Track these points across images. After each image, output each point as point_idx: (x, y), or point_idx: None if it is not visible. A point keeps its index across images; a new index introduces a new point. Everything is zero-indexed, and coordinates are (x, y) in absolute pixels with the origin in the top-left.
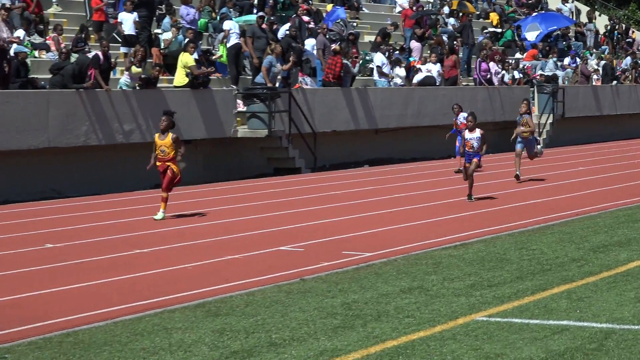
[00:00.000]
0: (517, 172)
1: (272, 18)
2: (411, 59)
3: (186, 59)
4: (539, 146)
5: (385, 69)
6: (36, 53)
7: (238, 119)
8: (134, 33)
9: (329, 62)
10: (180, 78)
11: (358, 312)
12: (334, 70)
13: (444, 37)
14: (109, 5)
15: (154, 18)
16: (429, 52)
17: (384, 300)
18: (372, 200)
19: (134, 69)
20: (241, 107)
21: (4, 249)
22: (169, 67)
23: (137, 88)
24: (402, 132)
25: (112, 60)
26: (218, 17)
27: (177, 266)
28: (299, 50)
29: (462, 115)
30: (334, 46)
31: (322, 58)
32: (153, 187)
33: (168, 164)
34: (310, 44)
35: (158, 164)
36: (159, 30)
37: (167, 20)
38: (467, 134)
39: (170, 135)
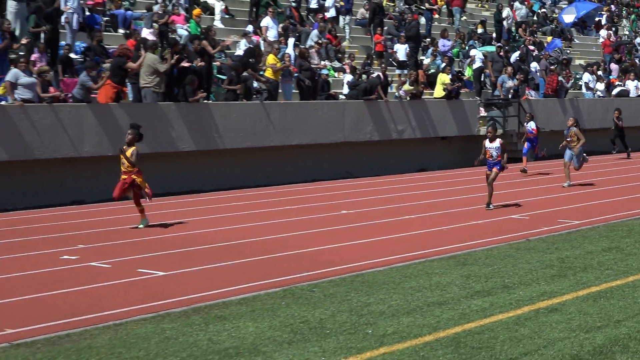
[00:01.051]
0: (568, 183)
1: (506, 47)
2: (611, 77)
3: (443, 78)
4: (584, 154)
5: (591, 85)
6: (335, 74)
7: (480, 121)
8: (405, 59)
9: (549, 79)
10: (438, 92)
11: (569, 265)
12: (552, 86)
13: (637, 61)
14: (387, 39)
15: (420, 48)
16: (624, 72)
17: (589, 257)
18: (580, 182)
19: (407, 86)
20: (483, 112)
21: (313, 213)
22: (431, 84)
23: (408, 99)
24: (603, 131)
25: (389, 79)
26: (467, 47)
27: (435, 228)
28: (526, 71)
29: (532, 124)
30: (552, 68)
31: (544, 77)
32: (417, 170)
33: (133, 177)
34: (534, 66)
35: (124, 176)
36: (423, 57)
37: (430, 50)
38: (487, 144)
39: (131, 149)
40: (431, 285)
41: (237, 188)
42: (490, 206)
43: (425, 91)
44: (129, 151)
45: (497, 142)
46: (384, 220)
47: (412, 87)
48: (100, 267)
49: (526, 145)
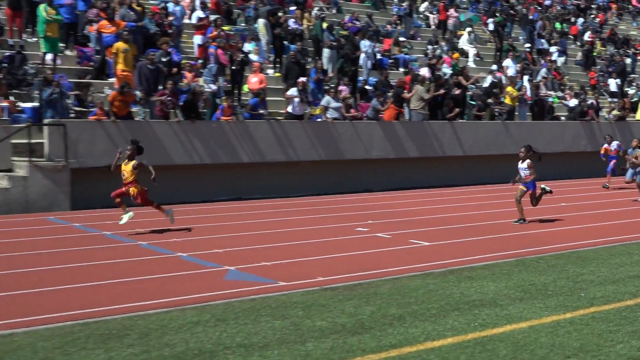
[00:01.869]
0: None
1: None
2: None
3: None
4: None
5: None
6: (558, 101)
7: None
8: (615, 90)
9: None
10: (639, 116)
11: None
12: None
13: None
14: (599, 75)
15: (625, 82)
16: None
17: None
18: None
19: (615, 111)
20: None
21: (539, 204)
22: (633, 109)
23: (614, 121)
24: None
25: (600, 105)
26: None
27: (634, 219)
28: None
29: (615, 144)
30: None
31: None
32: (589, 177)
33: (128, 186)
34: None
35: (124, 187)
36: (628, 89)
37: (633, 83)
38: (519, 164)
39: (132, 163)
40: (632, 262)
41: (480, 184)
42: (524, 221)
43: (629, 115)
44: (129, 165)
45: (526, 164)
46: (593, 212)
47: (619, 112)
48: (383, 237)
49: (611, 163)
